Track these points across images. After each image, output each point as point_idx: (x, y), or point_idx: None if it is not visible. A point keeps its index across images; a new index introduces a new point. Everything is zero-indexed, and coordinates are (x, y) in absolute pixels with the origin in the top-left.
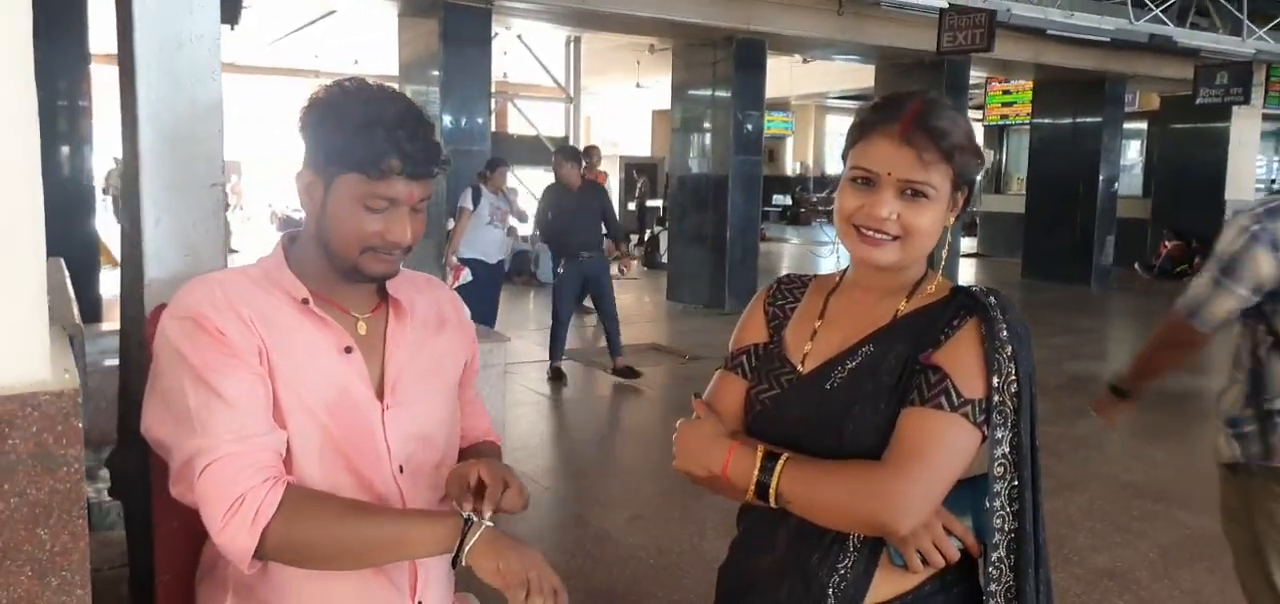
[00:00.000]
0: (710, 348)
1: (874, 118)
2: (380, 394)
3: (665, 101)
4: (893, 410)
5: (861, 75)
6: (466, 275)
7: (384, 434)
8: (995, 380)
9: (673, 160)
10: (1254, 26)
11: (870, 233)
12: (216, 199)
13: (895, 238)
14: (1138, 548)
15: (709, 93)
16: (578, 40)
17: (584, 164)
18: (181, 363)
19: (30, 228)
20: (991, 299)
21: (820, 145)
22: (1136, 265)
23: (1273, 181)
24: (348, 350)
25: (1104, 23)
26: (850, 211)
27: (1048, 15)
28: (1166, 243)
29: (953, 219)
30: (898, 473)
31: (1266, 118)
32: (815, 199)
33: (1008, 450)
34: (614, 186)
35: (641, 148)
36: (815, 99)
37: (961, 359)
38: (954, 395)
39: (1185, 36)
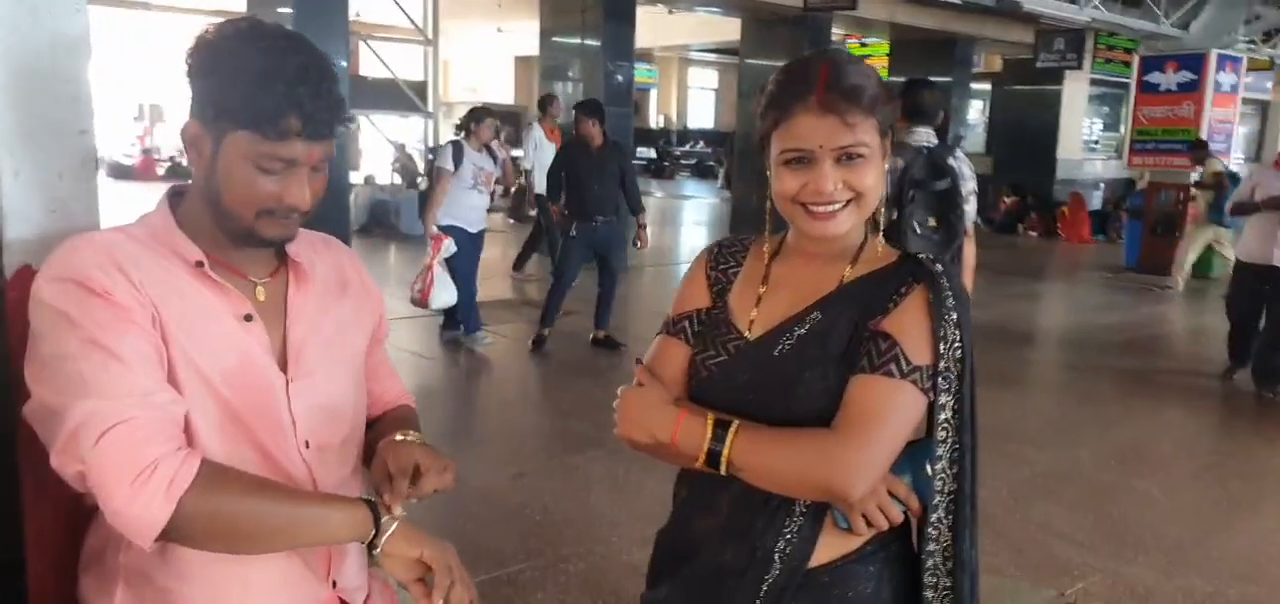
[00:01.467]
0: (585, 302)
1: (786, 95)
2: (283, 365)
3: (527, 47)
4: (841, 377)
5: (726, 28)
6: (450, 246)
7: (289, 407)
8: (942, 347)
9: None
10: None
11: (820, 209)
12: (87, 148)
13: (847, 203)
14: (991, 487)
15: (578, 41)
16: None
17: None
18: (65, 324)
19: None
20: (938, 266)
21: (684, 98)
22: (979, 220)
23: (1095, 142)
24: (247, 318)
25: None
26: (793, 192)
27: None
28: (1005, 198)
29: (885, 166)
30: (849, 440)
31: (1094, 82)
32: (679, 153)
33: (950, 415)
34: None
35: (503, 95)
36: (679, 51)
37: (910, 326)
38: (903, 362)
39: (1029, 1)
